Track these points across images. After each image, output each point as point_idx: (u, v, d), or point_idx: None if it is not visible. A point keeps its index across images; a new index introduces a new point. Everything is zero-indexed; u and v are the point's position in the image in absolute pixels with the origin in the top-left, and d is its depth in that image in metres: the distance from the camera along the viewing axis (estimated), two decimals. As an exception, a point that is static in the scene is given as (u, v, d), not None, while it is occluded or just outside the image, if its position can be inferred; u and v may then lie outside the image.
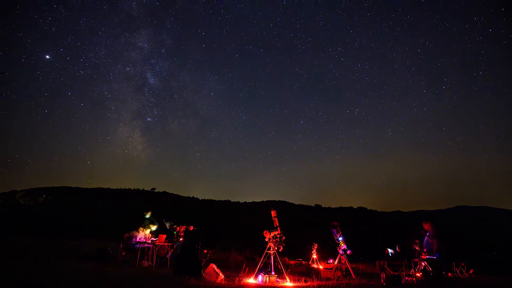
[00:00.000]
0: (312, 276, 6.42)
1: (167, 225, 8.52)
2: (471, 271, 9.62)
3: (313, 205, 48.30)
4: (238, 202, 46.85)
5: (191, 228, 8.61)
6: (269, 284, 5.55)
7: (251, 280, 5.85)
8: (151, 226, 7.86)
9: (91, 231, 14.98)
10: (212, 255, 8.48)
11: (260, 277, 5.74)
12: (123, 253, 7.16)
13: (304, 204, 48.68)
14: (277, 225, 6.18)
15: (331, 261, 8.95)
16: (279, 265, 6.07)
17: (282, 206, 43.34)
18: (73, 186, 47.34)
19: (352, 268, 7.40)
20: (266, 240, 6.09)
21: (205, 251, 7.00)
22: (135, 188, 50.32)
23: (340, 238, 7.60)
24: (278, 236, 6.09)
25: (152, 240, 7.41)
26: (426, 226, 7.62)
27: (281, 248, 6.08)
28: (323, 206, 48.21)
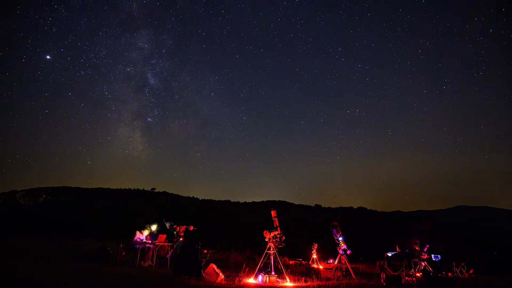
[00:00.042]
0: (312, 276, 6.42)
1: (167, 225, 8.52)
2: (471, 271, 9.62)
3: (313, 205, 48.30)
4: (238, 202, 46.85)
5: (191, 228, 8.61)
6: (269, 284, 5.55)
7: (251, 280, 5.84)
8: (150, 226, 7.88)
9: (91, 231, 14.97)
10: (212, 255, 8.47)
11: (260, 277, 5.74)
12: (123, 253, 7.16)
13: (304, 204, 48.69)
14: (277, 225, 6.18)
15: (331, 261, 8.96)
16: (279, 265, 6.07)
17: (282, 206, 43.32)
18: (73, 186, 47.35)
19: (352, 268, 7.40)
20: (266, 240, 6.10)
21: (205, 251, 7.00)
22: (135, 188, 50.32)
23: (340, 238, 7.60)
24: (278, 236, 6.09)
25: (152, 241, 7.42)
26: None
27: (283, 244, 6.10)
28: (323, 206, 48.22)
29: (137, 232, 7.57)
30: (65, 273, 4.86)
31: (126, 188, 50.04)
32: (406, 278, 6.57)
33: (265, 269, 6.00)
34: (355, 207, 48.70)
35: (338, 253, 7.64)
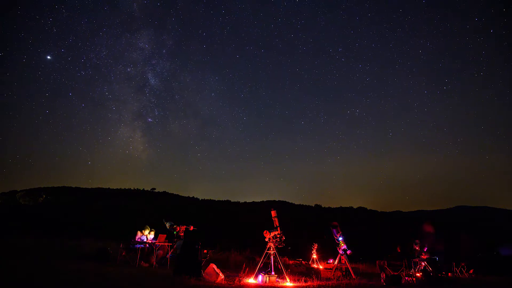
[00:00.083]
0: (312, 276, 6.42)
1: (167, 225, 8.52)
2: (471, 271, 9.61)
3: (313, 205, 48.25)
4: (238, 202, 46.76)
5: (191, 228, 8.60)
6: (269, 284, 5.55)
7: (251, 280, 5.84)
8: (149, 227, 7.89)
9: (91, 231, 14.97)
10: (212, 255, 8.47)
11: (260, 277, 5.74)
12: (123, 253, 7.16)
13: (304, 204, 48.63)
14: (277, 225, 6.18)
15: (331, 261, 8.95)
16: (279, 265, 6.07)
17: (282, 206, 43.29)
18: (73, 186, 47.34)
19: (352, 268, 7.40)
20: (266, 240, 6.09)
21: (205, 251, 7.00)
22: (135, 188, 50.31)
23: (340, 238, 7.61)
24: (278, 236, 6.09)
25: (152, 241, 7.42)
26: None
27: (284, 244, 6.10)
28: (323, 206, 48.16)
29: (138, 232, 7.58)
30: (65, 273, 4.86)
31: (126, 188, 50.06)
32: (406, 278, 6.58)
33: (265, 269, 6.00)
34: (355, 207, 48.64)
35: (338, 253, 7.64)
